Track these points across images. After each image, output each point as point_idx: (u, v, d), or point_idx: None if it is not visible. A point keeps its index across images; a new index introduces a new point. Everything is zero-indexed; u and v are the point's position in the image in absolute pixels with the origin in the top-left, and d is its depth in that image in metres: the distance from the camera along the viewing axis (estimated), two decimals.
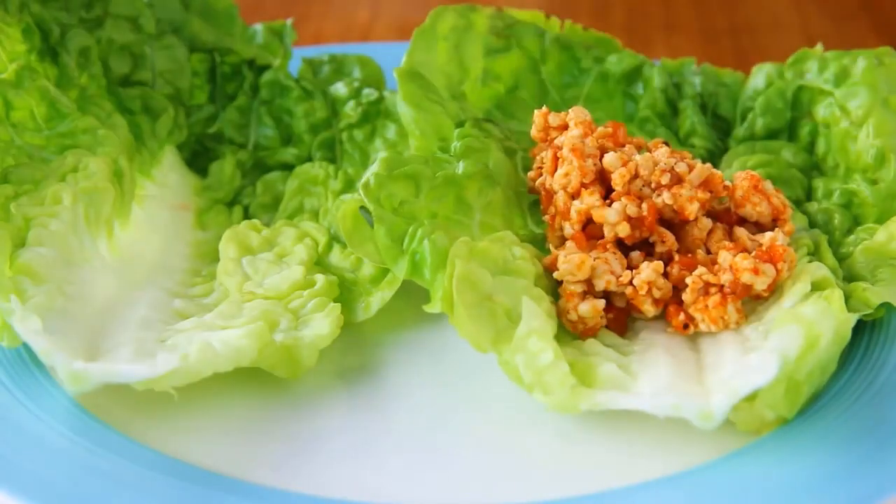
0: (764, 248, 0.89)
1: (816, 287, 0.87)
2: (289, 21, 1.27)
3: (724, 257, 0.88)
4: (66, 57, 1.08)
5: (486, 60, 1.14)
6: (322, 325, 0.90)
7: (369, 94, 1.19)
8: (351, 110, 1.18)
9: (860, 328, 0.91)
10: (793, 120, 1.14)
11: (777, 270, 0.88)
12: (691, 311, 0.87)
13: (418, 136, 1.00)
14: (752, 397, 0.79)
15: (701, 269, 0.88)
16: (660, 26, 1.82)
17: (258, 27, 1.26)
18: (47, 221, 0.91)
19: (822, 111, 1.10)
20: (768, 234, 0.89)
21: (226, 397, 0.88)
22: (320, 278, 0.96)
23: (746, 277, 0.87)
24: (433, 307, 0.87)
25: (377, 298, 0.94)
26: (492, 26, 1.16)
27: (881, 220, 0.98)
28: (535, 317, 0.83)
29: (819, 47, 1.13)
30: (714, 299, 0.86)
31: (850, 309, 0.87)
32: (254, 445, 0.84)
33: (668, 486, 0.79)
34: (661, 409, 0.77)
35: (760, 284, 0.87)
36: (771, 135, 1.14)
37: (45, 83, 1.04)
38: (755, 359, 0.79)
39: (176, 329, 0.89)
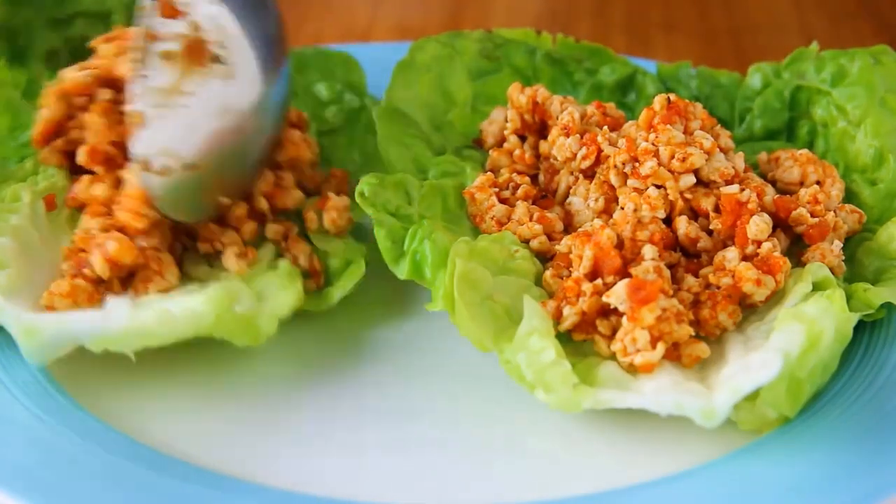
0: (761, 256, 0.89)
1: (818, 287, 0.87)
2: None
3: (732, 256, 0.89)
4: (35, 61, 1.08)
5: (476, 84, 1.15)
6: (282, 297, 0.90)
7: (351, 100, 1.19)
8: (332, 116, 1.18)
9: (860, 328, 0.91)
10: (791, 120, 1.14)
11: (776, 282, 0.88)
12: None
13: (399, 172, 1.01)
14: (753, 396, 0.79)
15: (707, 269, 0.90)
16: (659, 26, 1.82)
17: None
18: (7, 217, 0.94)
19: (819, 111, 1.10)
20: (765, 245, 0.90)
21: (224, 398, 0.88)
22: (283, 263, 0.96)
23: (748, 287, 0.87)
24: (434, 306, 0.87)
25: (338, 289, 0.95)
26: (481, 49, 1.17)
27: (881, 220, 0.98)
28: (537, 315, 0.83)
29: (814, 46, 1.13)
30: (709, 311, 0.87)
31: (851, 309, 0.87)
32: (254, 445, 0.83)
33: (668, 485, 0.79)
34: (663, 406, 0.77)
35: (759, 295, 0.87)
36: (769, 135, 1.14)
37: (11, 93, 1.05)
38: (758, 357, 0.79)
39: (138, 303, 0.89)
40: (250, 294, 0.91)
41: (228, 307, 0.86)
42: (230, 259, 0.95)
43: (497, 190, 0.99)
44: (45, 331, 0.81)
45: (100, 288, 0.89)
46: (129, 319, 0.82)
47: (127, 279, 0.91)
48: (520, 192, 0.99)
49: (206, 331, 0.85)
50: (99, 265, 0.88)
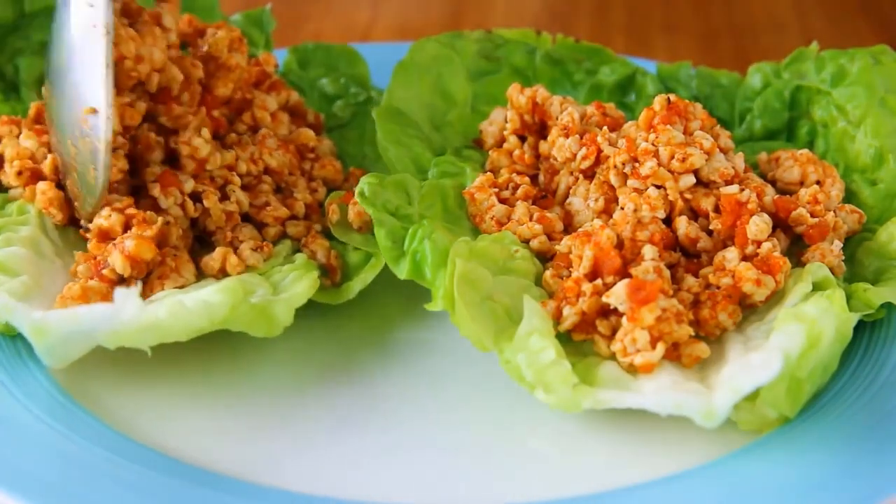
0: (761, 256, 0.89)
1: (818, 287, 0.88)
2: (267, 6, 1.26)
3: (732, 256, 0.89)
4: (27, 89, 1.08)
5: (476, 84, 1.15)
6: (297, 287, 0.90)
7: (357, 93, 1.19)
8: (339, 110, 1.18)
9: (860, 328, 0.91)
10: (791, 120, 1.14)
11: (776, 282, 0.88)
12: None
13: (399, 172, 1.01)
14: (753, 396, 0.79)
15: (707, 269, 0.90)
16: (659, 27, 1.82)
17: (236, 17, 1.24)
18: (17, 228, 0.94)
19: (819, 111, 1.10)
20: (765, 245, 0.90)
21: (223, 397, 0.88)
22: (300, 256, 0.96)
23: (748, 287, 0.87)
24: (435, 306, 0.87)
25: (358, 281, 0.95)
26: (480, 49, 1.17)
27: (881, 220, 0.98)
28: (537, 315, 0.83)
29: (814, 46, 1.13)
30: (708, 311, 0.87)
31: (851, 309, 0.87)
32: (252, 445, 0.83)
33: (668, 485, 0.79)
34: (663, 406, 0.77)
35: (759, 295, 0.87)
36: (770, 135, 1.14)
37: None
38: (758, 357, 0.79)
39: (152, 299, 0.89)
40: (266, 285, 0.90)
41: (243, 297, 0.86)
42: (246, 252, 0.95)
43: (497, 190, 0.99)
44: (56, 329, 0.79)
45: (115, 288, 0.88)
46: (140, 310, 0.80)
47: (144, 279, 0.91)
48: (520, 192, 0.99)
49: (221, 322, 0.84)
50: (119, 263, 0.88)
